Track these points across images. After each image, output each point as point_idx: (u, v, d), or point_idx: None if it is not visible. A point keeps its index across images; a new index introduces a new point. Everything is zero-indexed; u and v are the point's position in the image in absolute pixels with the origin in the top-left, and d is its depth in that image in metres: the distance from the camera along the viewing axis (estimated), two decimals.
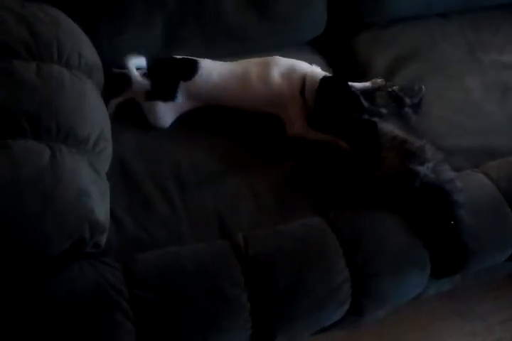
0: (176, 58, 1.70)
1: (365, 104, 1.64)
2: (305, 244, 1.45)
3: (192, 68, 1.66)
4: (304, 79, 1.67)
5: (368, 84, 1.78)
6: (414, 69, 1.93)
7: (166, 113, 1.67)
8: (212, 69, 1.68)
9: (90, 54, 1.56)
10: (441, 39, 2.06)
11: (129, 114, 1.67)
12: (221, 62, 1.72)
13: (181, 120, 1.69)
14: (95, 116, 1.42)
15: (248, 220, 1.48)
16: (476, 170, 1.68)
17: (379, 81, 1.79)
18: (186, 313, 1.32)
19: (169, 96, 1.65)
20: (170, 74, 1.67)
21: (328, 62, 1.94)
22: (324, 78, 1.66)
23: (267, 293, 1.39)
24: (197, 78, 1.66)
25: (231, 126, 1.69)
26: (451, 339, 1.95)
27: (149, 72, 1.68)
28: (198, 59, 1.69)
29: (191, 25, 1.78)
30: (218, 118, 1.70)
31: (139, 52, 1.71)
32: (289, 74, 1.68)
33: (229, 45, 1.83)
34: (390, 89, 1.72)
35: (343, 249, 1.46)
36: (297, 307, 1.41)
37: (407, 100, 1.69)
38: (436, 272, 1.55)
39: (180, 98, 1.66)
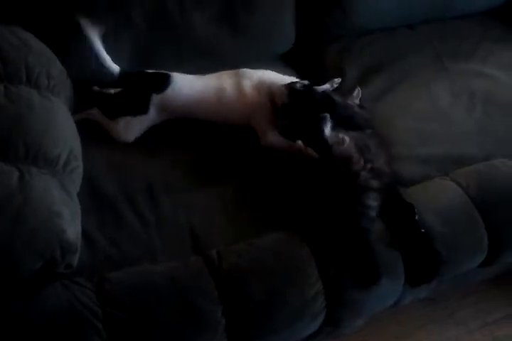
0: (147, 72, 1.72)
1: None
2: (278, 257, 1.46)
3: (164, 81, 1.68)
4: (271, 88, 1.69)
5: (327, 85, 1.81)
6: (383, 80, 1.96)
7: (134, 127, 1.67)
8: (184, 82, 1.70)
9: (60, 74, 1.59)
10: (408, 49, 2.09)
11: (97, 130, 1.68)
12: (193, 76, 1.74)
13: (149, 134, 1.69)
14: (65, 135, 1.44)
15: (221, 235, 1.49)
16: (445, 178, 1.70)
17: (336, 80, 1.82)
18: (160, 331, 1.32)
19: (141, 110, 1.66)
20: (141, 87, 1.68)
21: (299, 75, 1.96)
22: (290, 85, 1.69)
23: (243, 308, 1.39)
24: (169, 91, 1.67)
25: (200, 138, 1.71)
26: None
27: (119, 84, 1.69)
28: (169, 72, 1.71)
29: (160, 41, 1.80)
30: (186, 131, 1.71)
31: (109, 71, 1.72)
32: (258, 84, 1.71)
33: (199, 60, 1.85)
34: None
35: (316, 262, 1.47)
36: (273, 321, 1.42)
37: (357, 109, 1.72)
38: (410, 280, 1.57)
39: (152, 111, 1.66)
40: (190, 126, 1.72)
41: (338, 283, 1.48)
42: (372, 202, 1.49)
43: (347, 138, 1.58)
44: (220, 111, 1.71)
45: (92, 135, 1.64)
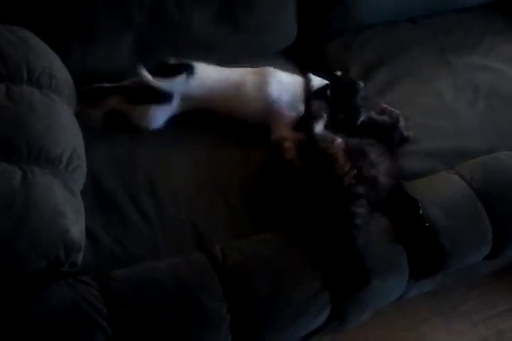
0: (171, 63, 1.70)
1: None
2: (282, 253, 1.46)
3: (188, 71, 1.67)
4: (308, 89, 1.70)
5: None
6: (386, 74, 1.96)
7: (159, 115, 1.67)
8: (208, 73, 1.69)
9: (61, 73, 1.58)
10: (411, 43, 2.09)
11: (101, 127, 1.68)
12: (217, 67, 1.73)
13: (152, 131, 1.69)
14: (67, 134, 1.43)
15: (224, 232, 1.49)
16: (450, 172, 1.70)
17: (338, 73, 1.83)
18: (166, 329, 1.33)
19: (166, 99, 1.65)
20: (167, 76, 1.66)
21: (301, 70, 1.95)
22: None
23: (247, 304, 1.40)
24: (193, 81, 1.66)
25: (203, 136, 1.70)
26: (437, 339, 1.96)
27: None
28: (193, 63, 1.69)
29: (161, 39, 1.80)
30: (190, 129, 1.71)
31: (110, 66, 1.73)
32: (288, 83, 1.71)
33: (201, 57, 1.83)
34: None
35: (320, 258, 1.47)
36: (278, 317, 1.42)
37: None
38: (414, 274, 1.57)
39: (176, 100, 1.66)
40: (194, 124, 1.72)
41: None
42: (357, 208, 1.46)
43: (339, 140, 1.57)
44: (238, 106, 1.70)
45: (95, 133, 1.64)
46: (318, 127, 1.63)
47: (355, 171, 1.49)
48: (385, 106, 1.75)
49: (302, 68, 1.96)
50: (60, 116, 1.45)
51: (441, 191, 1.64)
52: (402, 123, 1.71)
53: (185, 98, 1.67)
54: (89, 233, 1.38)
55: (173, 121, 1.70)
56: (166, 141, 1.68)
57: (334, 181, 1.49)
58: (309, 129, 1.61)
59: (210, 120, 1.72)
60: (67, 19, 1.69)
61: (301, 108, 1.70)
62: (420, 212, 1.55)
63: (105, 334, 1.28)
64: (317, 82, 1.75)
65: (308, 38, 2.06)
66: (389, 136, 1.68)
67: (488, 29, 2.18)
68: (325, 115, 1.66)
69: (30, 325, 1.25)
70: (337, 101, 1.70)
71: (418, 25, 2.18)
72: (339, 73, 1.83)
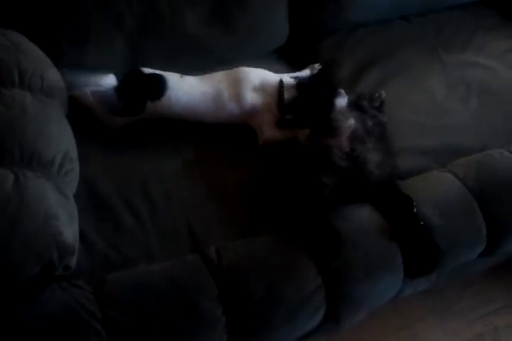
0: (145, 74, 1.68)
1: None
2: (277, 253, 1.46)
3: (160, 88, 1.65)
4: (280, 90, 1.69)
5: (307, 70, 1.86)
6: (379, 73, 1.97)
7: (120, 121, 1.68)
8: (181, 90, 1.66)
9: (53, 76, 1.57)
10: (403, 41, 2.09)
11: (93, 130, 1.67)
12: (191, 81, 1.70)
13: (145, 133, 1.70)
14: (60, 138, 1.43)
15: (219, 233, 1.49)
16: (443, 170, 1.70)
17: (315, 66, 1.87)
18: (161, 331, 1.32)
19: (134, 113, 1.66)
20: (137, 92, 1.65)
21: (293, 70, 1.95)
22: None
23: (243, 305, 1.40)
24: (165, 99, 1.65)
25: (197, 136, 1.70)
26: (432, 338, 1.97)
27: (119, 88, 1.67)
28: (166, 76, 1.67)
29: (153, 40, 1.79)
30: (183, 129, 1.71)
31: (103, 68, 1.72)
32: (262, 86, 1.70)
33: (192, 58, 1.84)
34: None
35: (315, 257, 1.47)
36: (273, 317, 1.42)
37: (366, 104, 1.70)
38: (409, 272, 1.57)
39: (145, 113, 1.66)
40: (187, 125, 1.71)
41: (337, 277, 1.48)
42: (328, 179, 1.49)
43: (353, 121, 1.60)
44: (219, 118, 1.70)
45: (88, 135, 1.63)
46: (341, 102, 1.66)
47: (348, 149, 1.53)
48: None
49: (295, 68, 1.96)
50: (52, 120, 1.44)
51: (435, 189, 1.65)
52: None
53: (156, 112, 1.66)
54: (82, 236, 1.38)
55: (164, 123, 1.70)
56: (159, 144, 1.68)
57: (322, 152, 1.53)
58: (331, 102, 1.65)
59: (194, 124, 1.72)
60: (58, 20, 1.68)
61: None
62: (414, 210, 1.55)
63: (99, 337, 1.27)
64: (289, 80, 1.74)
65: (301, 37, 2.06)
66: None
67: (479, 26, 2.18)
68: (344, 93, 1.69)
69: (24, 329, 1.25)
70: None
71: (410, 23, 2.19)
72: (317, 66, 1.86)
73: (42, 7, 1.66)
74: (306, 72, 1.87)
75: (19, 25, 1.61)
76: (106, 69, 1.72)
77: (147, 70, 1.68)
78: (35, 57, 1.55)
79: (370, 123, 1.65)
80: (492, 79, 1.98)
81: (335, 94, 1.69)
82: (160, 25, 1.77)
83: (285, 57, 2.04)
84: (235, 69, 1.74)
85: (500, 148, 1.77)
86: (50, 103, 1.48)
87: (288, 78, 1.75)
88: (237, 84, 1.69)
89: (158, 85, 1.65)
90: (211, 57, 1.82)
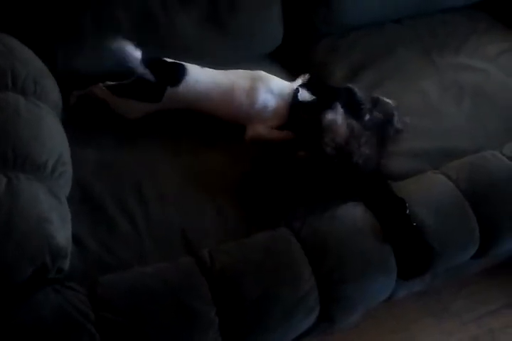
0: (167, 61, 1.70)
1: None
2: (270, 254, 1.46)
3: (180, 73, 1.68)
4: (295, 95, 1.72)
5: (299, 81, 1.86)
6: (372, 75, 1.97)
7: (142, 109, 1.69)
8: (198, 77, 1.70)
9: (46, 79, 1.58)
10: (397, 44, 2.10)
11: (86, 132, 1.68)
12: (210, 72, 1.73)
13: (139, 134, 1.70)
14: (53, 141, 1.44)
15: (212, 235, 1.49)
16: (436, 172, 1.71)
17: (306, 76, 1.89)
18: (154, 334, 1.33)
19: (154, 99, 1.67)
20: (158, 78, 1.66)
21: (287, 73, 1.96)
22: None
23: (236, 307, 1.40)
24: (183, 85, 1.67)
25: (190, 139, 1.71)
26: (428, 339, 1.97)
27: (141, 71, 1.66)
28: (186, 64, 1.71)
29: (148, 41, 1.79)
30: (177, 131, 1.72)
31: (97, 69, 1.73)
32: (279, 92, 1.73)
33: (188, 61, 1.84)
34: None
35: (309, 258, 1.48)
36: (267, 318, 1.42)
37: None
38: (403, 274, 1.58)
39: (164, 101, 1.67)
40: (179, 126, 1.73)
41: (330, 278, 1.49)
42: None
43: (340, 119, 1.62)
44: (227, 111, 1.72)
45: (81, 137, 1.64)
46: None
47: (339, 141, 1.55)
48: (378, 96, 1.78)
49: (290, 71, 1.97)
50: (45, 123, 1.45)
51: (428, 191, 1.65)
52: (396, 117, 1.74)
53: (173, 99, 1.68)
54: (76, 239, 1.38)
55: (158, 123, 1.71)
56: (153, 145, 1.68)
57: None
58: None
59: (193, 121, 1.73)
60: (52, 22, 1.69)
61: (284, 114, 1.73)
62: (407, 211, 1.56)
63: (93, 339, 1.27)
64: (305, 95, 1.76)
65: (295, 40, 2.07)
66: (383, 131, 1.70)
67: (472, 29, 2.20)
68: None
69: (17, 331, 1.25)
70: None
71: (404, 26, 2.20)
72: (306, 76, 1.89)
73: (36, 11, 1.67)
74: (297, 82, 1.87)
75: (13, 29, 1.61)
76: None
77: (169, 60, 1.71)
78: (29, 61, 1.56)
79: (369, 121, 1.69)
80: (485, 81, 1.98)
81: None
82: (154, 28, 1.78)
83: (279, 60, 2.05)
84: (257, 71, 1.77)
85: (494, 150, 1.77)
86: (44, 106, 1.49)
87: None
88: (256, 82, 1.72)
89: (179, 71, 1.68)
90: (205, 60, 1.81)
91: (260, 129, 1.71)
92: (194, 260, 1.43)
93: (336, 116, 1.62)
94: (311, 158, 1.56)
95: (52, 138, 1.44)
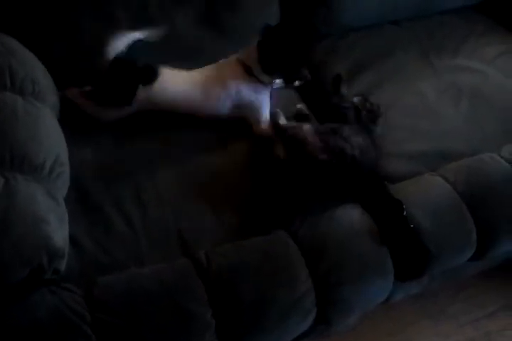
0: (135, 64, 1.68)
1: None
2: (267, 256, 1.46)
3: (152, 73, 1.66)
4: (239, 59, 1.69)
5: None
6: (371, 77, 1.97)
7: (115, 113, 1.67)
8: (173, 76, 1.69)
9: (44, 79, 1.58)
10: (395, 46, 2.10)
11: (84, 132, 1.67)
12: (181, 70, 1.72)
13: (136, 135, 1.69)
14: (50, 141, 1.44)
15: (209, 237, 1.49)
16: (433, 174, 1.71)
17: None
18: (150, 335, 1.32)
19: (126, 102, 1.65)
20: (129, 79, 1.65)
21: None
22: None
23: (233, 309, 1.40)
24: (157, 84, 1.65)
25: (187, 139, 1.70)
26: None
27: (108, 73, 1.66)
28: (157, 66, 1.68)
29: (144, 42, 1.80)
30: (174, 131, 1.70)
31: (95, 72, 1.73)
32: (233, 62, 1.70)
33: (184, 61, 1.83)
34: (351, 100, 1.76)
35: (306, 260, 1.48)
36: (264, 320, 1.42)
37: (363, 114, 1.71)
38: (399, 276, 1.58)
39: (136, 103, 1.65)
40: (179, 127, 1.72)
41: (327, 280, 1.49)
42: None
43: (306, 125, 1.62)
44: (210, 106, 1.70)
45: (79, 137, 1.64)
46: (282, 119, 1.70)
47: (322, 144, 1.54)
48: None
49: None
50: (43, 123, 1.45)
51: (426, 193, 1.65)
52: (381, 118, 1.74)
53: (147, 100, 1.66)
54: (73, 239, 1.38)
55: (154, 123, 1.71)
56: (150, 145, 1.68)
57: (309, 157, 1.54)
58: (276, 124, 1.68)
59: (191, 122, 1.72)
60: (51, 22, 1.70)
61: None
62: (404, 213, 1.56)
63: (89, 340, 1.27)
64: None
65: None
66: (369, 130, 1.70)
67: (470, 31, 2.20)
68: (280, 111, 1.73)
69: (13, 332, 1.25)
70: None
71: (402, 27, 2.20)
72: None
73: (35, 11, 1.67)
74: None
75: (11, 29, 1.61)
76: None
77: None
78: (27, 62, 1.56)
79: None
80: (483, 83, 1.98)
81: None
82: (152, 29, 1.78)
83: None
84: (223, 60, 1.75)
85: (491, 152, 1.77)
86: (42, 107, 1.49)
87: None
88: (220, 70, 1.70)
89: (151, 70, 1.66)
90: (203, 60, 1.82)
91: (265, 126, 1.71)
92: (191, 261, 1.43)
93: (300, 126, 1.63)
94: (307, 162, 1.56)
95: (49, 139, 1.44)
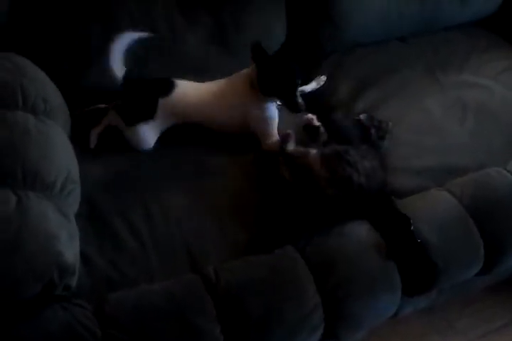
0: (151, 79, 1.75)
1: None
2: (275, 272, 1.47)
3: (168, 85, 1.72)
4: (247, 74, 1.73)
5: (314, 83, 1.93)
6: (376, 93, 1.99)
7: (148, 134, 1.72)
8: (188, 87, 1.74)
9: (55, 98, 1.62)
10: (401, 62, 2.13)
11: (97, 149, 1.72)
12: (196, 82, 1.78)
13: (148, 152, 1.74)
14: (62, 159, 1.46)
15: (217, 252, 1.51)
16: (440, 189, 1.72)
17: (322, 78, 1.95)
18: None
19: (149, 115, 1.70)
20: (147, 93, 1.71)
21: None
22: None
23: (241, 324, 1.41)
24: (174, 94, 1.70)
25: (197, 156, 1.73)
26: None
27: (124, 93, 1.72)
28: (172, 78, 1.74)
29: (154, 62, 1.84)
30: (180, 148, 1.74)
31: (104, 89, 1.76)
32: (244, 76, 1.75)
33: (194, 79, 1.87)
34: (356, 117, 1.77)
35: (314, 276, 1.48)
36: (272, 336, 1.43)
37: (373, 131, 1.73)
38: (407, 290, 1.58)
39: (160, 116, 1.70)
40: (187, 144, 1.75)
41: (336, 295, 1.49)
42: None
43: (313, 151, 1.62)
44: (222, 115, 1.74)
45: (90, 155, 1.68)
46: (290, 145, 1.68)
47: (329, 175, 1.54)
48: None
49: None
50: (54, 141, 1.48)
51: (432, 208, 1.66)
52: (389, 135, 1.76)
53: (169, 112, 1.71)
54: (83, 256, 1.40)
55: (165, 140, 1.74)
56: (159, 162, 1.71)
57: (316, 187, 1.55)
58: (283, 150, 1.67)
59: (199, 138, 1.76)
60: (61, 43, 1.74)
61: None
62: (412, 228, 1.56)
63: None
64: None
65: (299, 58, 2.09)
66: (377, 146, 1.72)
67: (475, 46, 2.22)
68: (292, 133, 1.72)
69: None
70: None
71: (407, 43, 2.23)
72: (323, 78, 1.95)
73: (45, 31, 1.71)
74: (312, 85, 1.93)
75: (22, 48, 1.65)
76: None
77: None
78: (38, 80, 1.59)
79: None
80: (488, 99, 2.00)
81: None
82: (161, 48, 1.82)
83: None
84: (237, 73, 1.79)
85: (498, 166, 1.78)
86: (53, 125, 1.52)
87: None
88: (236, 82, 1.75)
89: (167, 82, 1.72)
90: (212, 77, 1.85)
91: (274, 140, 1.74)
92: (199, 277, 1.44)
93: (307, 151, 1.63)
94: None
95: (61, 157, 1.46)
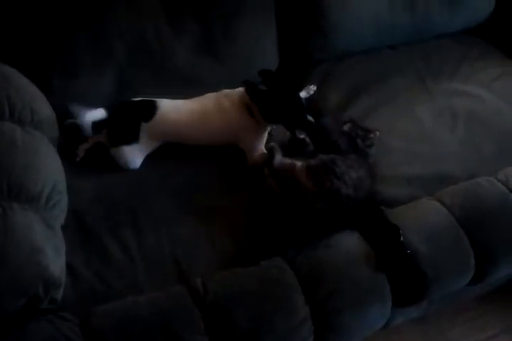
0: (134, 101, 1.75)
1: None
2: (264, 283, 1.46)
3: (151, 109, 1.72)
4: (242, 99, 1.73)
5: (304, 92, 1.92)
6: (367, 101, 1.99)
7: (133, 155, 1.71)
8: (170, 107, 1.74)
9: (43, 108, 1.61)
10: (391, 70, 2.12)
11: (82, 161, 1.72)
12: (178, 101, 1.77)
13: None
14: (48, 170, 1.45)
15: (205, 264, 1.50)
16: (430, 198, 1.71)
17: (311, 87, 1.95)
18: None
19: (132, 139, 1.70)
20: (130, 117, 1.72)
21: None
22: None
23: (229, 337, 1.40)
24: (156, 118, 1.70)
25: (185, 169, 1.73)
26: None
27: (109, 119, 1.74)
28: (156, 99, 1.74)
29: (142, 72, 1.83)
30: (170, 161, 1.74)
31: (94, 100, 1.76)
32: (240, 103, 1.74)
33: (182, 89, 1.87)
34: (342, 129, 1.77)
35: (303, 287, 1.47)
36: None
37: (359, 141, 1.72)
38: (398, 301, 1.57)
39: (144, 138, 1.70)
40: (176, 156, 1.75)
41: (325, 307, 1.48)
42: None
43: (298, 164, 1.61)
44: (206, 133, 1.75)
45: (77, 167, 1.67)
46: (278, 158, 1.68)
47: (317, 188, 1.54)
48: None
49: None
50: (41, 153, 1.47)
51: (422, 218, 1.65)
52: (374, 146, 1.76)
53: (153, 135, 1.71)
54: (70, 268, 1.39)
55: (154, 155, 1.74)
56: (148, 175, 1.71)
57: (304, 200, 1.54)
58: (269, 163, 1.66)
59: (189, 151, 1.75)
60: (49, 54, 1.73)
61: None
62: (401, 239, 1.56)
63: None
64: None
65: (290, 67, 2.09)
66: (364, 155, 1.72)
67: (466, 55, 2.22)
68: (278, 147, 1.71)
69: None
70: None
71: (398, 52, 2.22)
72: (313, 87, 1.96)
73: (33, 41, 1.70)
74: (302, 94, 1.92)
75: (10, 59, 1.64)
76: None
77: (135, 99, 1.76)
78: (25, 91, 1.58)
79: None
80: (479, 107, 1.99)
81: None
82: (150, 58, 1.82)
83: None
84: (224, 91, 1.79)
85: (488, 176, 1.77)
86: (40, 136, 1.51)
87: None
88: (218, 100, 1.75)
89: (149, 105, 1.72)
90: (201, 89, 1.84)
91: (259, 155, 1.74)
92: (187, 289, 1.43)
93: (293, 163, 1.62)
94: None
95: (47, 168, 1.45)
